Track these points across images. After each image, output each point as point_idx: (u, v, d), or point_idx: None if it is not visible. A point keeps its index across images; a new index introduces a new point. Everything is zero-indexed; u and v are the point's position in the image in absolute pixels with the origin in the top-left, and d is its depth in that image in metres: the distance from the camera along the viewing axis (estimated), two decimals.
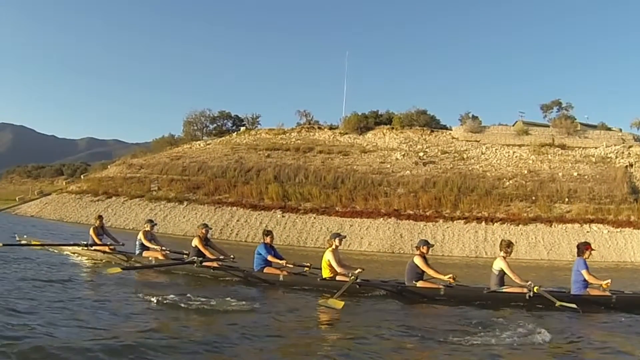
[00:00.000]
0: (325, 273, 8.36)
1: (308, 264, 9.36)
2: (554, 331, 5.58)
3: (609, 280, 7.50)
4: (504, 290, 7.59)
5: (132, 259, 10.50)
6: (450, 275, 7.87)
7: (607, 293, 7.49)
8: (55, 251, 11.90)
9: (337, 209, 32.06)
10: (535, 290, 7.19)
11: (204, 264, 9.37)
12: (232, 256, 9.77)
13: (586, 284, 7.55)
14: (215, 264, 9.48)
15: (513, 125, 42.60)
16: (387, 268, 16.80)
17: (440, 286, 7.81)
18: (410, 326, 5.88)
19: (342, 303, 6.44)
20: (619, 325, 6.43)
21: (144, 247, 10.57)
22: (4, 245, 11.15)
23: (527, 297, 7.19)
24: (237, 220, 31.70)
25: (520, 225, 30.13)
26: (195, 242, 9.72)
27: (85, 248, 11.40)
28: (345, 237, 8.99)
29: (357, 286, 7.80)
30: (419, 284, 7.95)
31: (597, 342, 5.40)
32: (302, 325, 5.89)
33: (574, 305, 6.73)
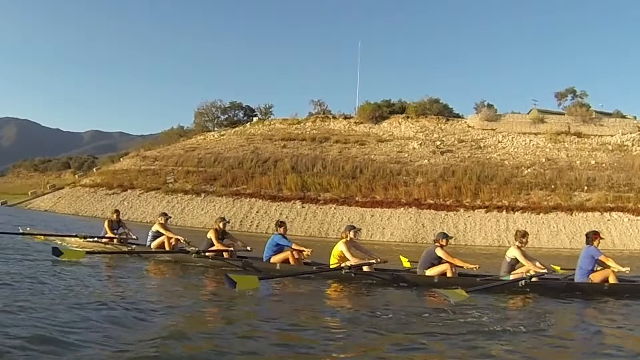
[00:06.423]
0: (333, 262, 8.35)
1: (309, 251, 9.11)
2: (527, 317, 5.63)
3: (629, 268, 7.58)
4: (501, 278, 7.72)
5: (134, 248, 10.44)
6: (477, 265, 8.16)
7: (615, 281, 7.53)
8: (58, 242, 11.49)
9: (357, 199, 31.89)
10: (525, 277, 7.32)
11: (205, 254, 9.28)
12: (249, 247, 9.68)
13: (590, 271, 7.62)
14: (226, 255, 9.39)
15: (528, 114, 42.35)
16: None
17: (436, 275, 7.88)
18: (392, 311, 5.70)
19: (254, 286, 6.24)
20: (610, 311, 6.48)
21: (155, 238, 10.39)
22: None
23: (520, 285, 7.30)
24: (257, 212, 31.54)
25: (541, 214, 29.96)
26: (210, 234, 9.62)
27: (84, 239, 11.13)
28: (360, 229, 9.07)
29: (353, 274, 7.94)
30: (428, 272, 8.00)
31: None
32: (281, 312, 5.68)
33: (450, 297, 6.28)
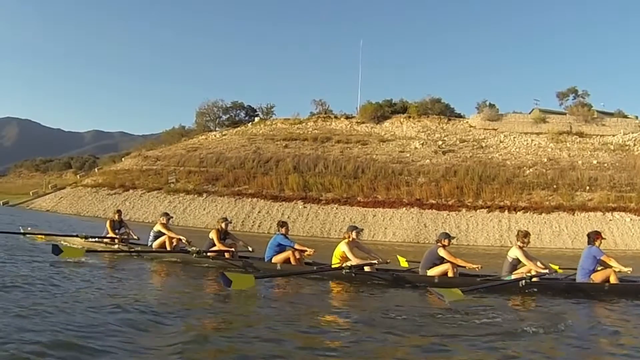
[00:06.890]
0: (335, 262, 8.37)
1: (311, 251, 9.15)
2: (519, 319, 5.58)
3: (630, 268, 7.56)
4: (501, 278, 7.73)
5: (135, 248, 10.47)
6: (479, 265, 8.24)
7: (616, 281, 7.53)
8: (60, 241, 11.34)
9: (359, 199, 31.92)
10: (525, 277, 7.34)
11: (206, 254, 9.29)
12: (250, 248, 9.70)
13: (591, 271, 7.61)
14: (227, 255, 9.39)
15: (530, 113, 42.37)
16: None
17: (437, 275, 7.90)
18: (405, 312, 5.71)
19: (249, 285, 6.30)
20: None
21: (156, 238, 10.39)
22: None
23: (520, 285, 7.30)
24: (259, 212, 31.56)
25: (543, 214, 29.98)
26: (212, 234, 9.64)
27: (85, 239, 11.12)
28: (362, 230, 9.07)
29: (353, 274, 7.98)
30: (430, 272, 8.02)
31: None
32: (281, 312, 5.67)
33: (445, 296, 6.21)
